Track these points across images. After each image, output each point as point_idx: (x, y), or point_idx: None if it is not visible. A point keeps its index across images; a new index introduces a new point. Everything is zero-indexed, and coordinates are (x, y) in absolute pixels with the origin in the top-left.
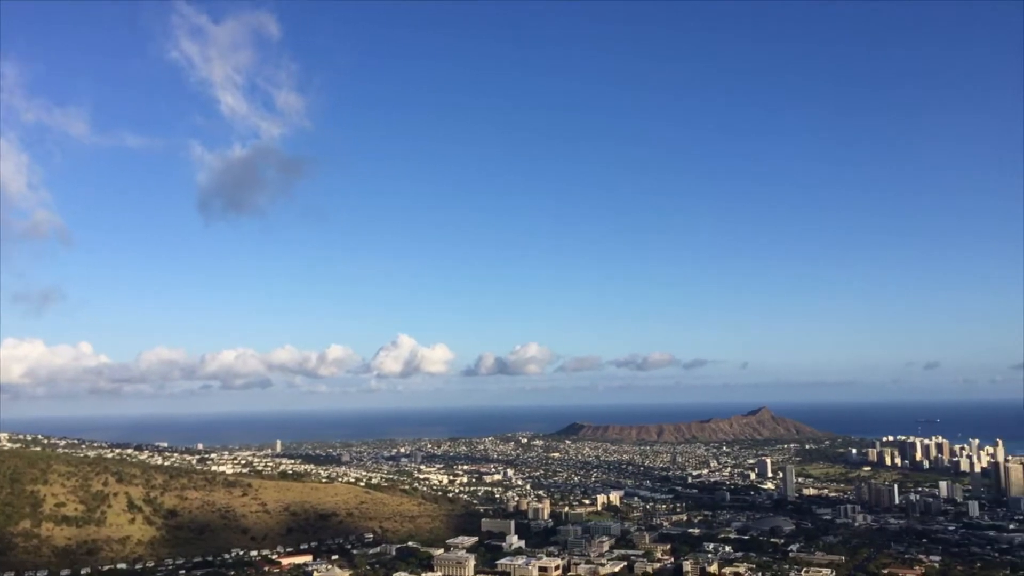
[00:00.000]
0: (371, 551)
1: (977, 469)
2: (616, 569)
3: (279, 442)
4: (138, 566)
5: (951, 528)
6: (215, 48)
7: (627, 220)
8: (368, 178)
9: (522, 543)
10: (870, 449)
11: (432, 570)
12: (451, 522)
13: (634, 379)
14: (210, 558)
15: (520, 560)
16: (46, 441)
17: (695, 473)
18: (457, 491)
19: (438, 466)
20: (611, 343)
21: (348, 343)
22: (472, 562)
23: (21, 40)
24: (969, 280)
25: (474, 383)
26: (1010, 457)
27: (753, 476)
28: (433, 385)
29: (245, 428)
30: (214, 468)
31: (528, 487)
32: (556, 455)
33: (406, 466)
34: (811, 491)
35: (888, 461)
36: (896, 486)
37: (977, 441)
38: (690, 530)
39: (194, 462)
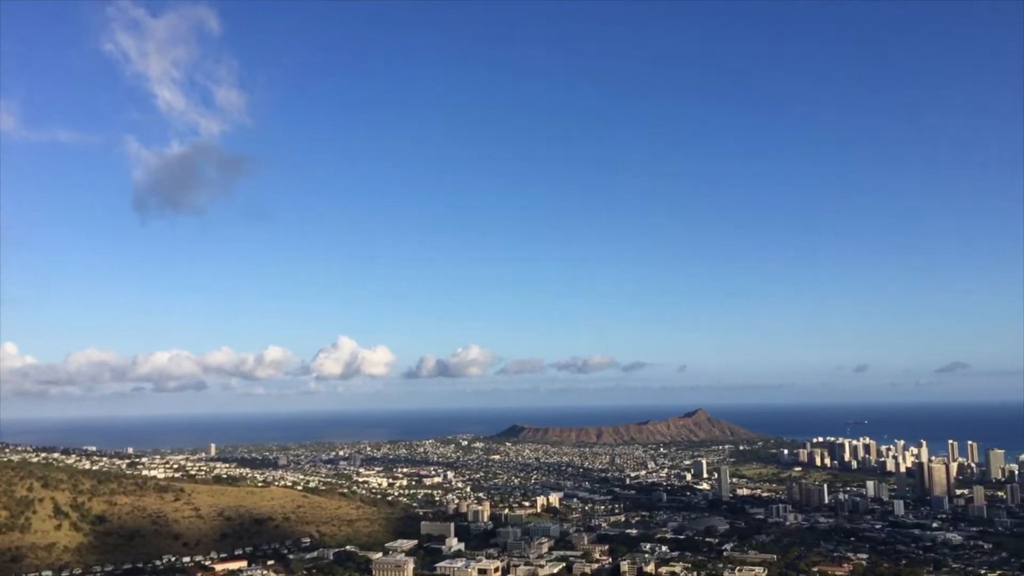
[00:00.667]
0: (308, 556)
1: (902, 469)
2: (555, 570)
3: (213, 446)
4: (65, 573)
5: (878, 527)
6: (153, 42)
7: (568, 224)
8: (311, 177)
9: (462, 545)
10: (801, 450)
11: (370, 574)
12: (390, 525)
13: (575, 381)
14: (140, 565)
15: (459, 563)
16: None
17: (633, 474)
18: (397, 494)
19: (378, 469)
20: (553, 346)
21: (287, 345)
22: (411, 565)
23: None
24: (897, 286)
25: (415, 385)
26: (933, 458)
27: (689, 477)
28: (374, 387)
29: (178, 431)
30: (145, 472)
31: (468, 489)
32: (497, 457)
33: (345, 469)
34: (745, 491)
35: (818, 461)
36: (826, 486)
37: (902, 442)
38: (628, 530)
39: (124, 466)
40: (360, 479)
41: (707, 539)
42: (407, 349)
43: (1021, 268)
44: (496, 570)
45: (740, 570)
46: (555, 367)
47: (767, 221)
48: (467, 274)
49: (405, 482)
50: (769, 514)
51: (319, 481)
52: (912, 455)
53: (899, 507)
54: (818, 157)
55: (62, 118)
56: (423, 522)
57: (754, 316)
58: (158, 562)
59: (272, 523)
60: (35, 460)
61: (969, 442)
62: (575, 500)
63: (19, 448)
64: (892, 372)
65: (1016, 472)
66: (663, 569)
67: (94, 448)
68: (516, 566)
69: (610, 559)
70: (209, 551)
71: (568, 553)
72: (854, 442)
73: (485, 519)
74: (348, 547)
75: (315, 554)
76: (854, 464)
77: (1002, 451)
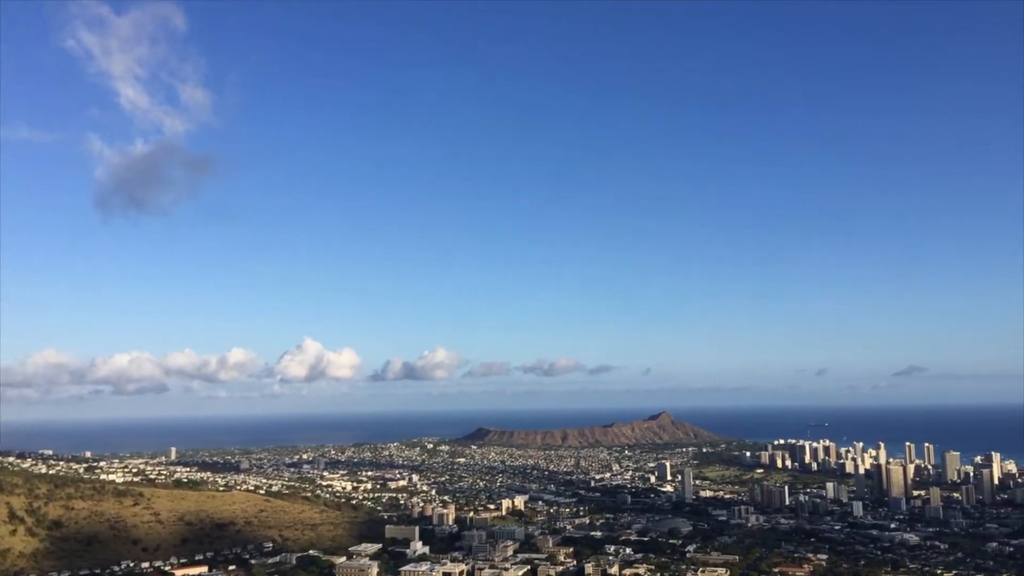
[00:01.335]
0: (270, 560)
1: (861, 471)
2: (520, 573)
3: (174, 449)
4: None
5: (837, 527)
6: (116, 40)
7: (535, 227)
8: (278, 178)
9: (426, 549)
10: (763, 452)
11: None
12: (354, 529)
13: (541, 384)
14: (98, 571)
15: (424, 566)
16: None
17: (598, 477)
18: (361, 498)
19: (342, 472)
20: (519, 349)
21: (251, 347)
22: (375, 569)
23: None
24: (856, 290)
25: (381, 388)
26: (891, 460)
27: (653, 479)
28: (339, 390)
29: (138, 435)
30: (103, 477)
31: (433, 493)
32: (462, 460)
33: (308, 473)
34: (708, 493)
35: (780, 463)
36: (787, 487)
37: (861, 444)
38: (592, 533)
39: (81, 471)
40: (324, 483)
41: (671, 541)
42: (373, 352)
43: (975, 274)
44: (461, 573)
45: (703, 571)
46: (521, 370)
47: (730, 226)
48: (434, 276)
49: (370, 486)
50: (731, 516)
51: (282, 485)
52: (871, 457)
53: (858, 508)
54: (780, 161)
55: (22, 115)
56: (388, 526)
57: (718, 320)
58: (116, 568)
59: (234, 528)
60: None
61: (926, 444)
62: (540, 503)
63: None
64: (851, 375)
65: (971, 474)
66: (627, 571)
67: (50, 452)
68: (481, 569)
69: (575, 561)
70: (169, 556)
71: (533, 556)
72: (814, 444)
73: (450, 522)
74: (311, 552)
75: (277, 559)
76: (814, 466)
77: (958, 453)
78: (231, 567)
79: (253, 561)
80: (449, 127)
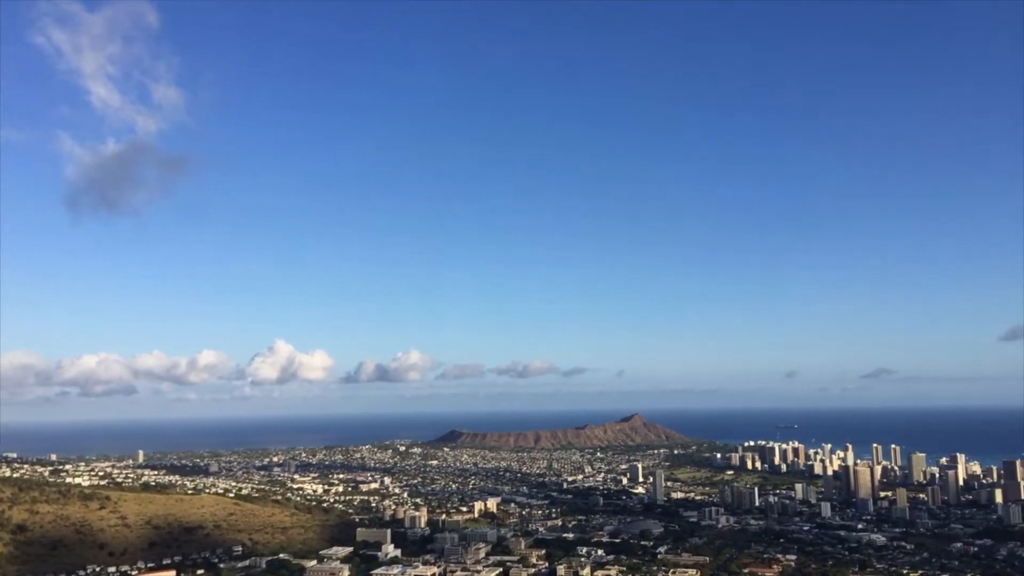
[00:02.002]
0: (240, 564)
1: (829, 472)
2: (492, 575)
3: (141, 452)
4: None
5: (806, 528)
6: (87, 37)
7: (508, 229)
8: (252, 178)
9: (398, 552)
10: (733, 454)
11: None
12: (325, 532)
13: (515, 386)
14: (64, 575)
15: (396, 569)
16: None
17: (570, 479)
18: (332, 501)
19: (313, 475)
20: (493, 351)
21: (221, 348)
22: (346, 573)
23: None
24: (825, 293)
25: (354, 390)
26: (858, 461)
27: (625, 481)
28: (311, 392)
29: (105, 438)
30: (69, 480)
31: (406, 495)
32: (434, 462)
33: (279, 476)
34: (679, 494)
35: (749, 465)
36: (756, 489)
37: (829, 446)
38: (564, 535)
39: (47, 474)
40: (295, 486)
41: (642, 542)
42: (346, 353)
43: (942, 279)
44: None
45: (673, 572)
46: (495, 372)
47: (703, 230)
48: (408, 278)
49: (341, 488)
50: (702, 517)
51: (252, 488)
52: (839, 458)
53: (826, 509)
54: (750, 164)
55: None
56: (359, 529)
57: (691, 323)
58: (82, 572)
59: (202, 531)
60: None
61: (893, 446)
62: (513, 505)
63: None
64: (820, 378)
65: (937, 475)
66: (599, 572)
67: (15, 455)
68: (453, 572)
69: (547, 563)
70: (136, 560)
71: (505, 558)
72: (783, 446)
73: (422, 525)
74: (281, 555)
75: (247, 563)
76: (783, 467)
77: (924, 455)
78: (200, 571)
79: (222, 565)
80: (424, 128)
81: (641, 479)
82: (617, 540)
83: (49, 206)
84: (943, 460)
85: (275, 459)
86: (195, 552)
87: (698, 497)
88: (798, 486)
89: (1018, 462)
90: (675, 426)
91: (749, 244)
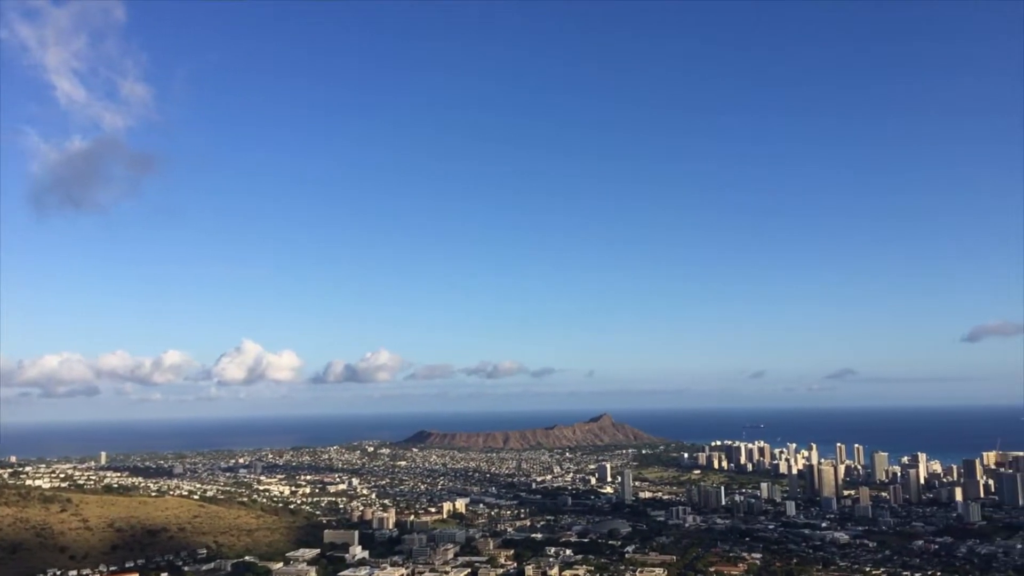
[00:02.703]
0: (204, 567)
1: (794, 471)
2: None
3: (104, 454)
4: None
5: (771, 527)
6: (52, 31)
7: (478, 230)
8: (223, 177)
9: (366, 554)
10: (700, 453)
11: None
12: (292, 534)
13: (484, 386)
14: None
15: (363, 571)
16: None
17: (539, 479)
18: (299, 502)
19: (280, 477)
20: (463, 351)
21: (187, 348)
22: (313, 575)
23: None
24: (792, 294)
25: (322, 390)
26: (823, 460)
27: (594, 481)
28: (278, 392)
29: (66, 439)
30: (29, 483)
31: (374, 496)
32: (403, 463)
33: (245, 477)
34: (647, 494)
35: (716, 464)
36: (723, 488)
37: (794, 445)
38: (533, 535)
39: (6, 476)
40: (261, 487)
41: (610, 542)
42: (315, 354)
43: (905, 281)
44: None
45: (641, 571)
46: (465, 372)
47: (671, 231)
48: (378, 278)
49: (308, 490)
50: (669, 516)
51: (217, 490)
52: (803, 458)
53: (791, 508)
54: (714, 165)
55: None
56: (326, 530)
57: (660, 323)
58: None
59: (166, 534)
60: None
61: (856, 445)
62: (481, 505)
63: None
64: (786, 378)
65: (899, 474)
66: (566, 572)
67: None
68: (421, 573)
69: (515, 563)
70: (98, 564)
71: (474, 559)
72: (750, 445)
73: (390, 526)
74: (247, 557)
75: (212, 565)
76: (750, 467)
77: (886, 454)
78: (163, 574)
79: (186, 568)
80: (395, 126)
81: (609, 479)
82: (585, 540)
83: (13, 203)
84: (905, 459)
85: (241, 460)
86: (158, 555)
87: (666, 496)
88: (764, 485)
89: (978, 461)
90: (644, 426)
91: (718, 246)
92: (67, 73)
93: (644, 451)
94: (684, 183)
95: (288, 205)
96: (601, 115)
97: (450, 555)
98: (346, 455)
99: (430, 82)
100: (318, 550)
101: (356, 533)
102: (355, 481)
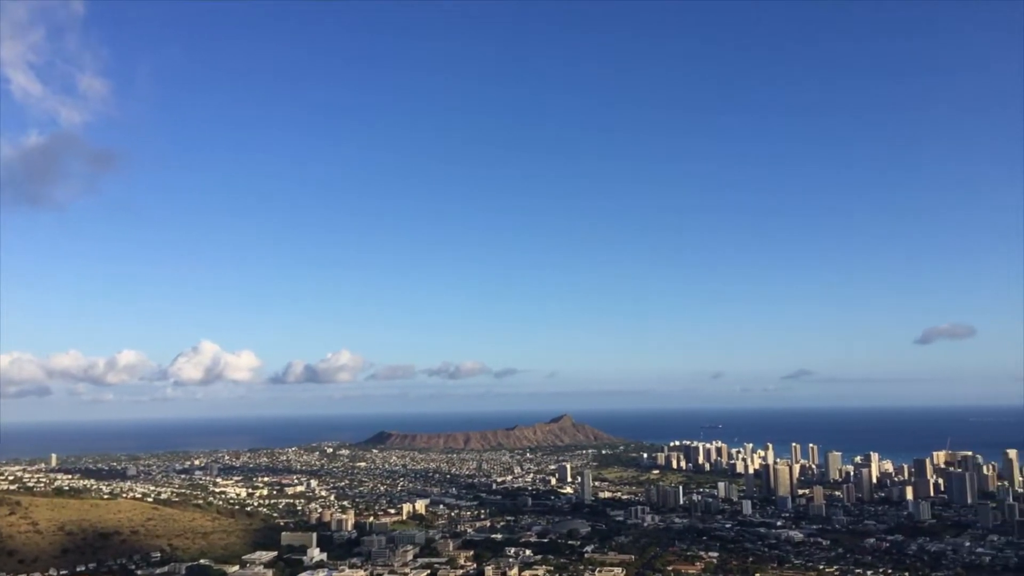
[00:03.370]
0: (158, 571)
1: (751, 471)
2: None
3: (55, 456)
4: None
5: (728, 526)
6: (7, 23)
7: (439, 229)
8: (182, 175)
9: (324, 556)
10: (659, 453)
11: None
12: (249, 537)
13: (446, 387)
14: None
15: (321, 573)
16: None
17: (499, 479)
18: (256, 504)
19: (236, 479)
20: (425, 352)
21: (143, 348)
22: None
23: None
24: (749, 295)
25: (281, 391)
26: (778, 460)
27: (554, 481)
28: (236, 393)
29: (16, 441)
30: None
31: (333, 498)
32: (363, 464)
33: (201, 479)
34: (606, 494)
35: (675, 464)
36: (681, 488)
37: (751, 445)
38: (493, 535)
39: None
40: (217, 489)
41: (570, 542)
42: (274, 354)
43: (860, 283)
44: None
45: (600, 571)
46: (426, 373)
47: (631, 232)
48: (339, 278)
49: (266, 492)
50: (628, 516)
51: (172, 492)
52: (759, 457)
53: (747, 507)
54: (675, 165)
55: None
56: (284, 533)
57: (621, 324)
58: None
59: (119, 537)
60: None
61: (811, 445)
62: (441, 506)
63: None
64: (744, 378)
65: (852, 473)
66: (526, 573)
67: None
68: (380, 575)
69: (475, 564)
70: (48, 568)
71: (433, 560)
72: (707, 445)
73: (349, 528)
74: (202, 561)
75: (165, 569)
76: (707, 466)
77: (840, 453)
78: None
79: (140, 572)
80: (355, 125)
81: (570, 479)
82: (545, 540)
83: None
84: (858, 459)
85: (197, 462)
86: (111, 559)
87: (625, 496)
88: (721, 485)
89: (928, 461)
90: (604, 427)
91: (677, 248)
92: (23, 67)
93: (604, 451)
94: (644, 184)
95: (250, 204)
96: (573, 114)
97: (409, 556)
98: (305, 456)
99: (392, 80)
100: (275, 553)
101: (314, 535)
102: (314, 483)
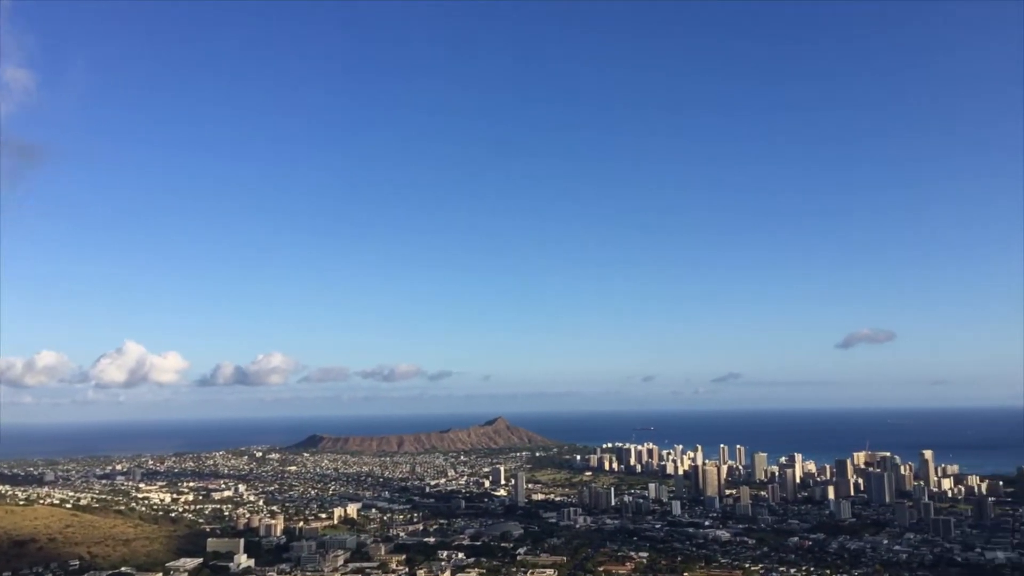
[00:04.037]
0: None
1: (680, 472)
2: None
3: None
4: None
5: (658, 526)
6: None
7: (375, 230)
8: (109, 172)
9: (251, 562)
10: (592, 455)
11: None
12: (173, 544)
13: (380, 390)
14: None
15: None
16: None
17: (433, 483)
18: (181, 510)
19: (160, 484)
20: (359, 354)
21: (63, 349)
22: None
23: None
24: (680, 297)
25: (210, 394)
26: (707, 461)
27: (487, 484)
28: (161, 396)
29: None
30: None
31: (261, 503)
32: (293, 468)
33: (123, 485)
34: (540, 496)
35: (607, 466)
36: (613, 489)
37: (681, 446)
38: (426, 539)
39: None
40: (140, 495)
41: (502, 544)
42: (202, 355)
43: (786, 288)
44: None
45: (532, 573)
46: (360, 375)
47: (566, 234)
48: (272, 278)
49: (191, 497)
50: (561, 517)
51: (92, 498)
52: (689, 459)
53: (677, 507)
54: (610, 167)
55: None
56: (210, 539)
57: (554, 327)
58: None
59: (35, 545)
60: None
61: (738, 446)
62: (374, 510)
63: None
64: (675, 381)
65: (776, 473)
66: None
67: None
68: None
69: (407, 568)
70: None
71: (364, 565)
72: (639, 447)
73: (278, 533)
74: (124, 568)
75: None
76: (639, 468)
77: (765, 454)
78: None
79: None
80: (295, 123)
81: (503, 482)
82: (478, 543)
83: None
84: (783, 459)
85: (119, 467)
86: (26, 567)
87: (558, 498)
88: (651, 486)
89: (849, 461)
90: (538, 429)
91: (606, 248)
92: None
93: (538, 453)
94: (579, 184)
95: (179, 203)
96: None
97: (340, 561)
98: (233, 460)
99: (323, 73)
100: (201, 560)
101: (242, 541)
102: (242, 487)
